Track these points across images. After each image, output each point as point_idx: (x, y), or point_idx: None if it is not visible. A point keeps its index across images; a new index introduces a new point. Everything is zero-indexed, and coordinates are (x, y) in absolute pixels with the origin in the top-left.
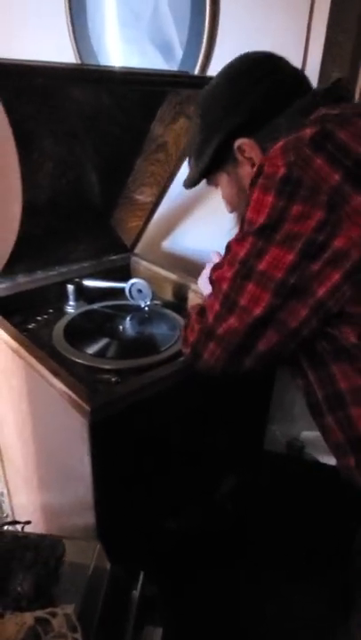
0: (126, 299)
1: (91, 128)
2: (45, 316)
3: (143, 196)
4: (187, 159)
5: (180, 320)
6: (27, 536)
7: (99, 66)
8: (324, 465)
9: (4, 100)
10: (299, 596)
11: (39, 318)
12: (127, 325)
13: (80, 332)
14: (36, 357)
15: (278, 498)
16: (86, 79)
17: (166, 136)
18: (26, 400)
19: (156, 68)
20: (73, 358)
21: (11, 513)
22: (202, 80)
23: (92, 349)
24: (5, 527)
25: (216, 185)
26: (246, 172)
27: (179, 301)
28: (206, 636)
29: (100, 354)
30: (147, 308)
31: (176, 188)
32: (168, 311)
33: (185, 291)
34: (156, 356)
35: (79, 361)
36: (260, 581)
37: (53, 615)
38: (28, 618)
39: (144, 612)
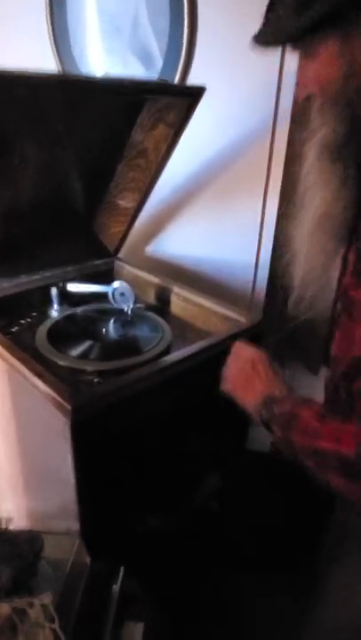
0: (110, 302)
1: (72, 134)
2: (29, 320)
3: (125, 202)
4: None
5: (162, 322)
6: (5, 531)
7: (78, 75)
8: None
9: None
10: (279, 591)
11: (22, 322)
12: (110, 328)
13: (63, 334)
14: (17, 359)
15: (262, 497)
16: (66, 89)
17: (146, 142)
18: (9, 402)
19: (134, 77)
20: (56, 360)
21: None
22: (179, 89)
23: (75, 352)
24: None
25: (308, 55)
26: None
27: (162, 304)
28: (187, 632)
29: (83, 356)
30: (130, 312)
31: (160, 194)
32: (151, 314)
33: (168, 294)
34: (138, 357)
35: (62, 363)
36: (243, 578)
37: (31, 605)
38: (5, 608)
39: (125, 608)
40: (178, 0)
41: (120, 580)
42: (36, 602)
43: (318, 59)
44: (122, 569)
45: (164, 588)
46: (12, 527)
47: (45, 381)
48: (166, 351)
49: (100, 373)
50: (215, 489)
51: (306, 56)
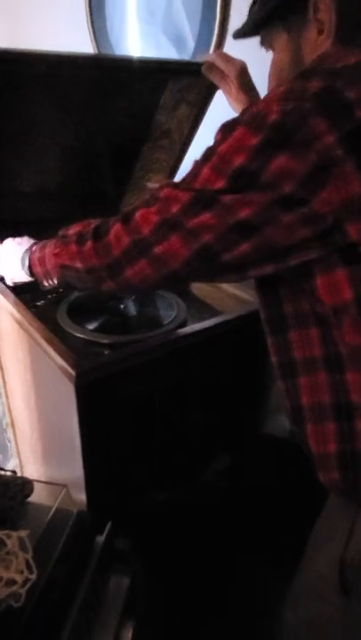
0: None
1: (97, 116)
2: (55, 295)
3: (151, 183)
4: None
5: (179, 301)
6: (2, 476)
7: (98, 55)
8: None
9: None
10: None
11: (49, 297)
12: (129, 304)
13: (83, 309)
14: (35, 328)
15: (272, 480)
16: (88, 68)
17: (169, 123)
18: (29, 370)
19: (155, 57)
20: (73, 332)
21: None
22: (197, 67)
23: (92, 325)
24: None
25: (269, 46)
26: (310, 37)
27: None
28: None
29: (99, 329)
30: None
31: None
32: (169, 293)
33: None
34: (150, 332)
35: (78, 335)
36: (247, 559)
37: (8, 537)
38: None
39: (114, 563)
40: None
41: (106, 532)
42: (14, 534)
43: (276, 49)
44: (109, 524)
45: (154, 549)
46: None
47: (56, 349)
48: (179, 328)
49: (111, 346)
50: (223, 468)
51: (270, 47)
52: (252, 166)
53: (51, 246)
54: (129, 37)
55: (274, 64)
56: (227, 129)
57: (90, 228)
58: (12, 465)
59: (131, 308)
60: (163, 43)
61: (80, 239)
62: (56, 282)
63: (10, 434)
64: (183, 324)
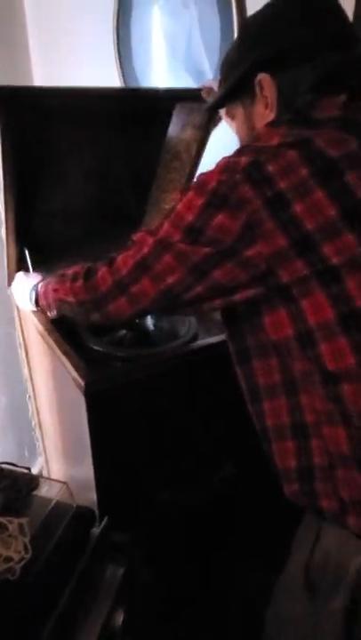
0: None
1: (112, 140)
2: None
3: (166, 203)
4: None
5: (191, 318)
6: (12, 472)
7: (111, 88)
8: None
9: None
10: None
11: None
12: (145, 320)
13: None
14: (54, 340)
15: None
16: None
17: (178, 146)
18: (51, 378)
19: (161, 87)
20: (91, 345)
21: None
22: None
23: (108, 338)
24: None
25: (232, 117)
26: (259, 111)
27: None
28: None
29: (115, 343)
30: None
31: None
32: None
33: None
34: (164, 346)
35: (96, 348)
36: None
37: (10, 522)
38: None
39: (111, 553)
40: (228, 17)
41: (102, 525)
42: (16, 520)
43: (236, 120)
44: (105, 518)
45: (157, 549)
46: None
47: (70, 360)
48: (189, 343)
49: (124, 358)
50: (228, 477)
51: (232, 118)
52: (198, 223)
53: (52, 283)
54: (153, 71)
55: (236, 131)
56: (183, 192)
57: (83, 270)
58: (38, 462)
59: (146, 323)
60: (182, 75)
61: (74, 278)
62: (55, 312)
63: (38, 433)
64: (194, 340)
